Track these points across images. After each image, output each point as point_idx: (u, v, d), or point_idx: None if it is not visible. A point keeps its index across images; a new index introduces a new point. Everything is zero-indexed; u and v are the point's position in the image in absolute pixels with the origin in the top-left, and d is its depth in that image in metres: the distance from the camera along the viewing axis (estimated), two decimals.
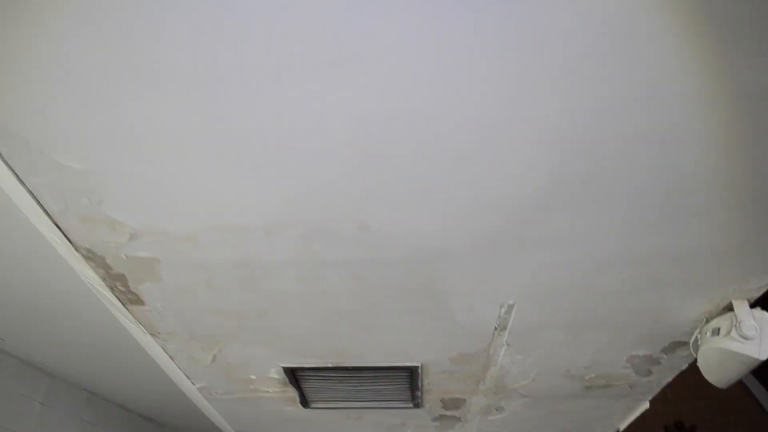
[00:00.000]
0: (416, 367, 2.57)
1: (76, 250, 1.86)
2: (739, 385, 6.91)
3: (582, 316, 2.20)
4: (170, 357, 2.56)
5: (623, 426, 3.35)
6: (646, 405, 3.03)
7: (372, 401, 2.95)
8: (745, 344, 2.03)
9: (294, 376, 2.67)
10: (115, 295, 2.09)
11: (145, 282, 2.01)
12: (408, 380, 2.70)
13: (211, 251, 1.83)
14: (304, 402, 2.97)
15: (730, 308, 2.14)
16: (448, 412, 3.16)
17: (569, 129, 1.38)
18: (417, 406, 3.00)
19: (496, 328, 2.28)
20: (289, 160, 1.49)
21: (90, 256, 1.89)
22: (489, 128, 1.39)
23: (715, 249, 1.82)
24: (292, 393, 2.88)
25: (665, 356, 2.50)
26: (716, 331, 2.14)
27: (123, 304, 2.15)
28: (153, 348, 2.50)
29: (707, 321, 2.22)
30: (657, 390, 2.88)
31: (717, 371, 2.17)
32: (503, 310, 2.15)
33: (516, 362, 2.56)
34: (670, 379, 2.75)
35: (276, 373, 2.68)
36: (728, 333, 2.08)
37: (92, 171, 1.54)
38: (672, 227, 1.74)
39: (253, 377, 2.73)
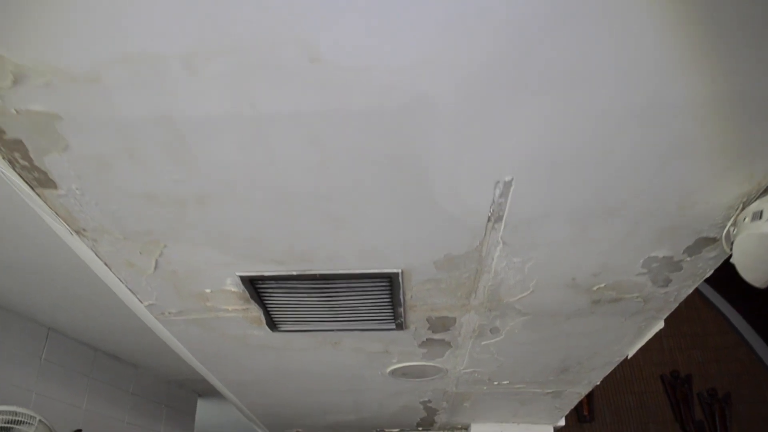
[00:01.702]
0: (396, 275, 2.19)
1: None
2: (733, 334, 6.97)
3: (592, 201, 1.81)
4: (106, 265, 2.17)
5: (632, 352, 2.99)
6: (660, 324, 2.66)
7: (349, 321, 2.58)
8: None
9: (254, 288, 2.29)
10: (17, 173, 1.69)
11: (50, 152, 1.60)
12: (388, 292, 2.32)
13: (123, 100, 1.42)
14: (272, 323, 2.60)
15: None
16: (436, 336, 2.79)
17: None
18: (400, 327, 2.63)
19: (489, 219, 1.89)
20: None
21: None
22: None
23: (756, 96, 1.42)
24: (256, 311, 2.50)
25: (688, 258, 2.12)
26: (758, 215, 1.76)
27: (31, 187, 1.75)
28: (85, 253, 2.11)
29: (744, 206, 1.84)
30: (674, 306, 2.51)
31: (757, 264, 1.79)
32: (498, 192, 1.76)
33: (513, 267, 2.18)
34: (690, 291, 2.38)
35: (233, 285, 2.30)
36: None
37: None
38: (705, 66, 1.34)
39: (208, 291, 2.35)
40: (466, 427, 4.63)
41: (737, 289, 6.97)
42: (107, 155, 1.61)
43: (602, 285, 2.30)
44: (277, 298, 2.38)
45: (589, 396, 6.64)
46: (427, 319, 2.60)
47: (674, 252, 2.09)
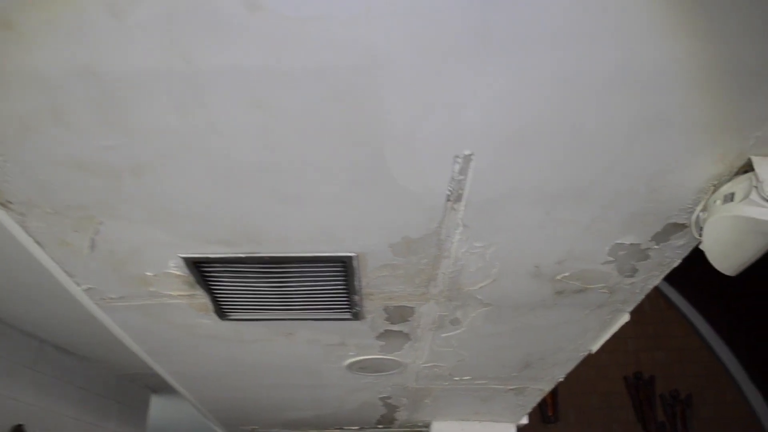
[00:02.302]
0: (351, 258, 2.06)
1: None
2: (696, 336, 7.09)
3: (558, 180, 1.71)
4: (38, 243, 2.01)
5: (596, 347, 2.91)
6: (625, 317, 2.58)
7: (302, 309, 2.44)
8: None
9: (200, 271, 2.14)
10: None
11: None
12: (343, 278, 2.19)
13: (41, 49, 1.27)
14: (220, 311, 2.45)
15: (747, 168, 1.68)
16: (394, 327, 2.67)
17: None
18: (356, 317, 2.50)
19: (448, 198, 1.78)
20: None
21: None
22: None
23: (734, 67, 1.33)
24: (203, 297, 2.35)
25: (656, 246, 2.04)
26: (729, 197, 1.68)
27: None
28: (12, 228, 1.94)
29: (716, 189, 1.75)
30: (639, 297, 2.43)
31: (728, 250, 1.71)
32: (457, 168, 1.64)
33: (474, 253, 2.07)
34: (656, 281, 2.30)
35: (177, 268, 2.15)
36: (746, 197, 1.62)
37: None
38: (680, 32, 1.25)
39: (150, 274, 2.19)
40: (427, 425, 4.52)
41: (700, 292, 7.05)
42: (29, 115, 1.46)
43: (567, 274, 2.21)
44: (225, 284, 2.23)
45: (554, 396, 6.66)
46: (385, 309, 2.48)
47: (642, 239, 2.00)
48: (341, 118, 1.47)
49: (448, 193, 1.74)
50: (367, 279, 2.23)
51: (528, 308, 2.48)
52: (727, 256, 1.73)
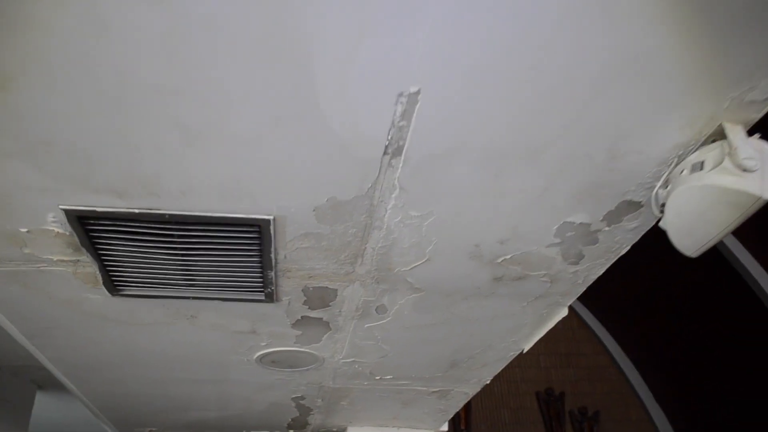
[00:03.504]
0: (267, 222, 1.77)
1: None
2: (606, 355, 7.38)
3: (510, 135, 1.48)
4: None
5: (528, 345, 2.71)
6: (563, 312, 2.39)
7: (208, 286, 2.12)
8: (743, 178, 1.39)
9: (86, 230, 1.80)
10: None
11: None
12: (257, 247, 1.90)
13: None
14: (110, 284, 2.10)
15: (715, 138, 1.51)
16: (314, 313, 2.38)
17: None
18: (270, 298, 2.20)
19: (386, 151, 1.52)
20: None
21: None
22: None
23: (717, 15, 1.15)
24: (90, 265, 2.00)
25: (606, 228, 1.85)
26: (698, 166, 1.49)
27: None
28: None
29: (680, 160, 1.58)
30: (580, 290, 2.24)
31: (694, 225, 1.52)
32: (400, 110, 1.39)
33: (409, 224, 1.82)
34: (599, 272, 2.13)
35: (57, 223, 1.80)
36: (718, 165, 1.44)
37: None
38: None
39: (24, 230, 1.83)
40: (342, 431, 4.23)
41: (611, 312, 7.28)
42: None
43: (508, 257, 1.99)
44: (116, 249, 1.89)
45: (467, 409, 6.69)
46: (304, 291, 2.20)
47: (593, 218, 1.81)
48: (263, 30, 1.19)
49: (387, 142, 1.49)
50: (285, 251, 1.94)
51: (461, 296, 2.25)
52: (691, 233, 1.54)
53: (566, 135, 1.48)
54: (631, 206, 1.75)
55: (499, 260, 2.01)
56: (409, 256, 1.98)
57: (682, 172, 1.54)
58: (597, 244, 1.94)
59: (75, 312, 2.34)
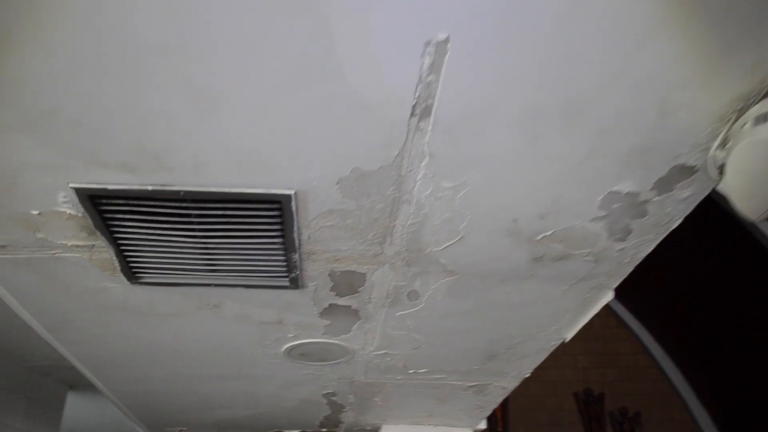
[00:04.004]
0: (288, 198, 1.66)
1: None
2: (645, 354, 7.14)
3: (549, 90, 1.34)
4: None
5: (571, 334, 2.55)
6: (609, 295, 2.23)
7: (230, 271, 2.02)
8: None
9: (99, 211, 1.70)
10: None
11: None
12: (278, 227, 1.78)
13: None
14: (129, 271, 2.00)
15: None
16: (342, 300, 2.26)
17: None
18: (295, 284, 2.09)
19: (413, 113, 1.39)
20: None
21: None
22: None
23: None
24: (106, 250, 1.91)
25: (656, 198, 1.70)
26: (763, 118, 1.34)
27: None
28: None
29: (740, 114, 1.42)
30: (627, 271, 2.08)
31: (758, 186, 1.36)
32: (427, 62, 1.26)
33: (441, 197, 1.69)
34: (648, 250, 1.97)
35: (68, 204, 1.70)
36: None
37: None
38: None
39: (35, 213, 1.74)
40: (376, 430, 4.10)
41: (650, 311, 7.04)
42: None
43: (549, 233, 1.85)
44: (132, 230, 1.80)
45: (504, 409, 6.53)
46: (330, 275, 2.07)
47: (641, 186, 1.65)
48: None
49: (414, 101, 1.36)
50: (309, 231, 1.82)
51: (498, 279, 2.10)
52: (754, 195, 1.39)
53: (611, 88, 1.34)
54: (684, 171, 1.60)
55: (539, 237, 1.86)
56: (442, 234, 1.85)
57: (743, 126, 1.38)
58: (646, 217, 1.78)
59: (94, 303, 2.25)
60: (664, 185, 1.65)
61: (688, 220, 1.81)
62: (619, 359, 7.16)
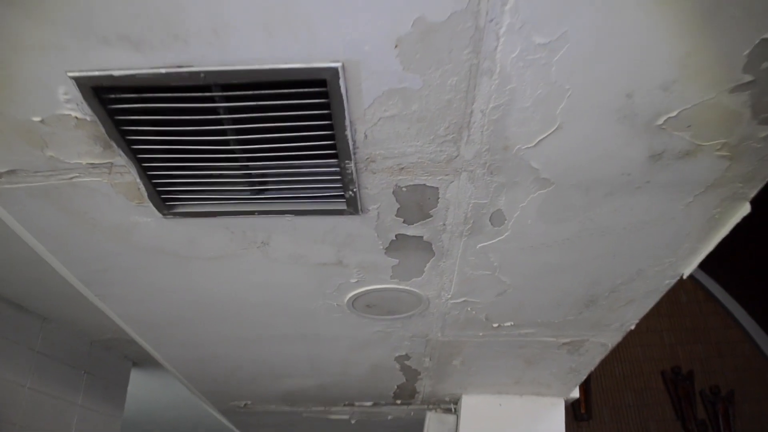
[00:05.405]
0: (335, 73, 1.29)
1: None
2: (737, 329, 6.67)
3: None
4: None
5: (690, 269, 2.10)
6: (745, 208, 1.77)
7: (273, 193, 1.68)
8: None
9: (106, 110, 1.39)
10: None
11: None
12: (326, 122, 1.42)
13: None
14: (157, 199, 1.70)
15: None
16: (411, 230, 1.89)
17: None
18: (354, 207, 1.72)
19: None
20: None
21: None
22: None
23: None
24: (127, 170, 1.61)
25: None
26: None
27: None
28: None
29: None
30: None
31: None
32: None
33: (532, 62, 1.28)
34: None
35: (72, 104, 1.40)
36: None
37: None
38: None
39: (37, 119, 1.45)
40: (456, 401, 3.72)
41: (740, 282, 6.67)
42: None
43: (674, 114, 1.42)
44: (151, 138, 1.48)
45: (587, 393, 6.23)
46: (395, 193, 1.71)
47: None
48: None
49: None
50: (366, 126, 1.45)
51: (604, 191, 1.68)
52: None
53: None
54: None
55: (661, 121, 1.43)
56: (534, 123, 1.44)
57: None
58: None
59: (127, 245, 1.96)
60: None
61: None
62: (708, 334, 6.75)
